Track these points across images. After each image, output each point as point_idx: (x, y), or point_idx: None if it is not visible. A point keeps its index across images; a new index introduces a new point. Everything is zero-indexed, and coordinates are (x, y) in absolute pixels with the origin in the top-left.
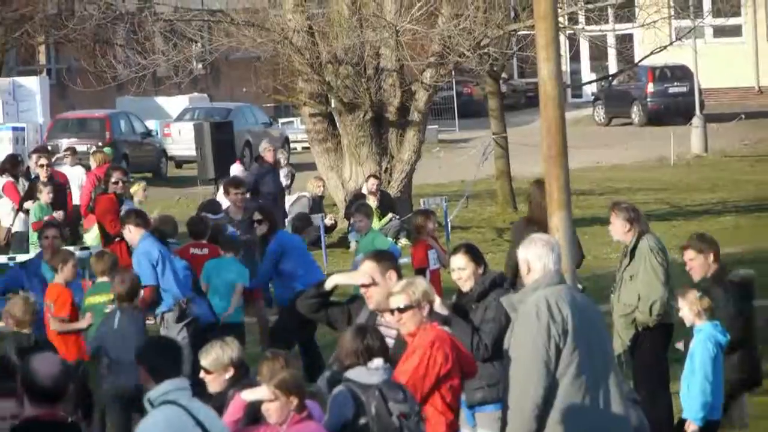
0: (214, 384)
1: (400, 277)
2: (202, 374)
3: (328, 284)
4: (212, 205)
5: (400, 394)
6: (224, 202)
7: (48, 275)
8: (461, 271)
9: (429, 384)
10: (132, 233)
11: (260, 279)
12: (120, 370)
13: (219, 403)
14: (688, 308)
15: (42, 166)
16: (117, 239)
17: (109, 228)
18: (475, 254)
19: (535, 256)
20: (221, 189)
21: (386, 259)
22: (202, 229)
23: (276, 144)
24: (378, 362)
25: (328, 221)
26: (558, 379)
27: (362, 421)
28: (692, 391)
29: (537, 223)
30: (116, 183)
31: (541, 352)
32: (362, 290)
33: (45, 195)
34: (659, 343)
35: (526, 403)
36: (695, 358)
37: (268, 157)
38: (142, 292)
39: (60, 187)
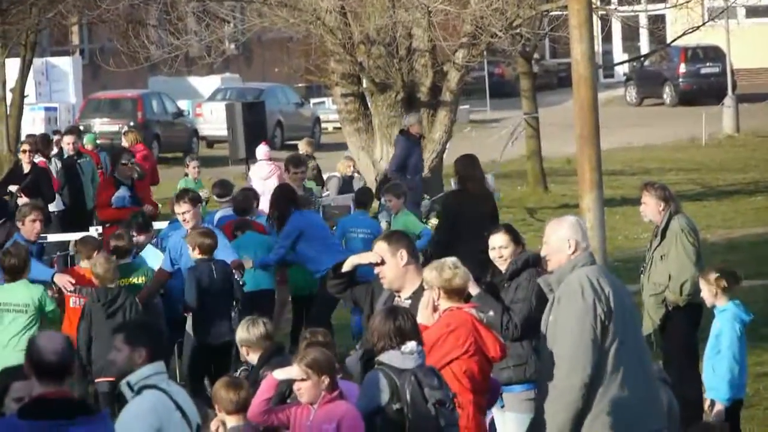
0: (249, 357)
1: (412, 255)
2: (241, 347)
3: (347, 265)
4: (223, 187)
5: (435, 381)
6: (256, 181)
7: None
8: (503, 250)
9: (444, 367)
10: (195, 214)
11: (273, 257)
12: None
13: (254, 378)
14: (707, 289)
15: (69, 144)
16: (108, 224)
17: (98, 209)
18: (515, 234)
19: (573, 235)
20: (252, 168)
21: (397, 239)
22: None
23: (420, 119)
24: (412, 345)
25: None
26: (602, 357)
27: (396, 406)
28: (719, 371)
29: (471, 195)
30: (125, 164)
31: (589, 330)
32: (376, 270)
33: (192, 170)
34: (689, 322)
35: (576, 380)
36: (722, 338)
37: (415, 129)
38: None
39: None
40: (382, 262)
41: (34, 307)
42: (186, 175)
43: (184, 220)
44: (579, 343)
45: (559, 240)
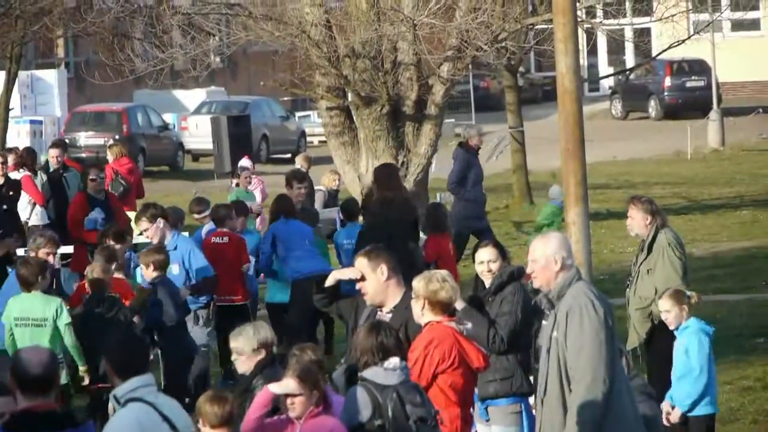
0: (243, 365)
1: (392, 270)
2: (233, 356)
3: (329, 280)
4: (199, 204)
5: (418, 397)
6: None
7: None
8: (491, 264)
9: (425, 383)
10: (155, 229)
11: (260, 263)
12: None
13: (245, 385)
14: (678, 309)
15: (54, 157)
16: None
17: (70, 227)
18: (502, 248)
19: (560, 251)
20: (234, 182)
21: (377, 254)
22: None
23: (481, 130)
24: (395, 361)
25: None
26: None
27: (378, 422)
28: (684, 383)
29: (392, 202)
30: (93, 180)
31: (606, 343)
32: (357, 286)
33: (243, 180)
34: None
35: (599, 389)
36: (690, 354)
37: (474, 142)
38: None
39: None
40: (363, 278)
41: (52, 320)
42: (236, 185)
43: (147, 237)
44: (599, 357)
45: (546, 257)
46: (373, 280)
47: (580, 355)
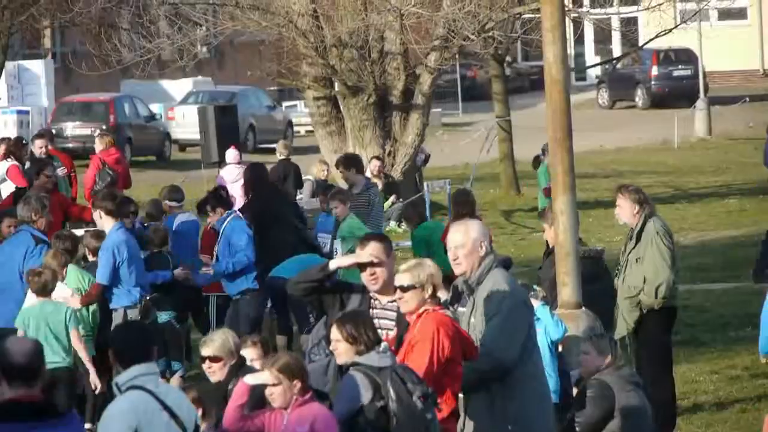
0: (220, 372)
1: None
2: (206, 364)
3: (331, 266)
4: (175, 192)
5: (414, 376)
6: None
7: None
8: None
9: (441, 372)
10: (102, 220)
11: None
12: None
13: (222, 392)
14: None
15: (40, 148)
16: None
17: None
18: None
19: (484, 237)
20: (221, 171)
21: (388, 240)
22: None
23: None
24: (384, 345)
25: None
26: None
27: (379, 404)
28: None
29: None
30: (49, 177)
31: (520, 325)
32: (367, 271)
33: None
34: (663, 325)
35: (498, 361)
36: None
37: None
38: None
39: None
40: (380, 263)
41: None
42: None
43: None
44: (510, 336)
45: (473, 241)
46: (389, 265)
47: (492, 328)
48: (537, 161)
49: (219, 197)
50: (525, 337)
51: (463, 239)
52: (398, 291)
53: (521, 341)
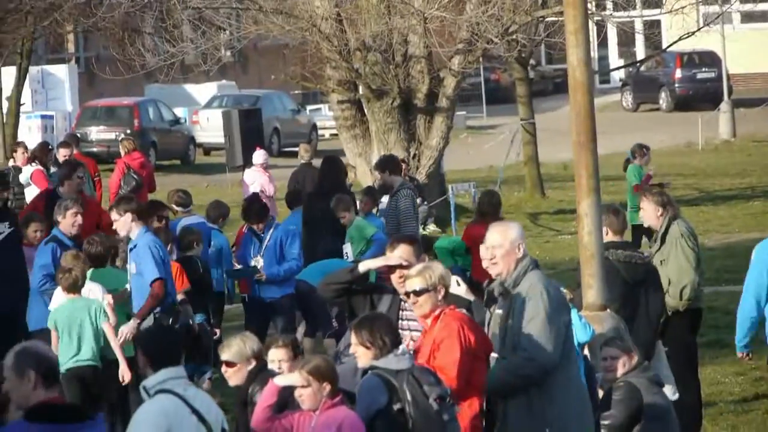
0: (235, 377)
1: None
2: (223, 368)
3: (361, 269)
4: (183, 196)
5: (432, 378)
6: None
7: None
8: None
9: (471, 368)
10: (130, 225)
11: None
12: None
13: (242, 397)
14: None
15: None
16: None
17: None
18: None
19: (522, 239)
20: (246, 173)
21: (418, 242)
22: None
23: None
24: (402, 347)
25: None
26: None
27: (397, 406)
28: None
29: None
30: (81, 178)
31: (558, 327)
32: (396, 273)
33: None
34: (689, 327)
35: (535, 364)
36: None
37: None
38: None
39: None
40: (408, 266)
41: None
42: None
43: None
44: (547, 336)
45: (511, 242)
46: None
47: (532, 331)
48: (627, 163)
49: (262, 208)
50: (564, 338)
51: (501, 240)
52: (412, 296)
53: (561, 344)
